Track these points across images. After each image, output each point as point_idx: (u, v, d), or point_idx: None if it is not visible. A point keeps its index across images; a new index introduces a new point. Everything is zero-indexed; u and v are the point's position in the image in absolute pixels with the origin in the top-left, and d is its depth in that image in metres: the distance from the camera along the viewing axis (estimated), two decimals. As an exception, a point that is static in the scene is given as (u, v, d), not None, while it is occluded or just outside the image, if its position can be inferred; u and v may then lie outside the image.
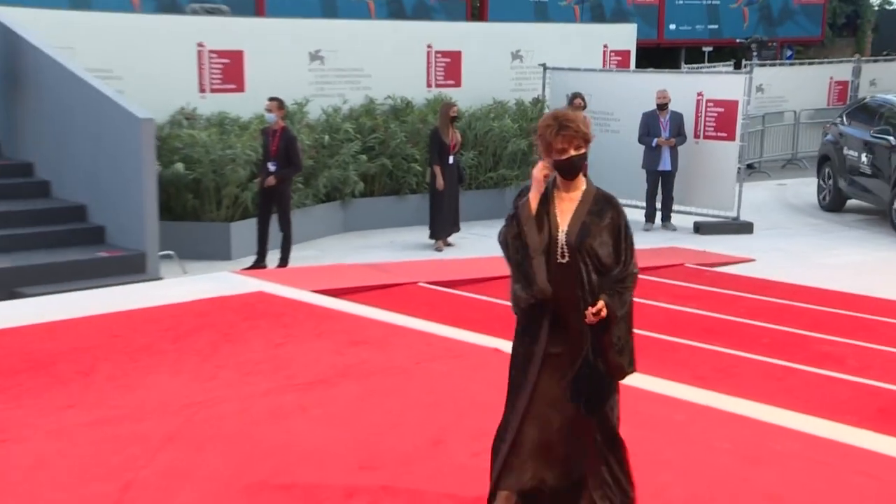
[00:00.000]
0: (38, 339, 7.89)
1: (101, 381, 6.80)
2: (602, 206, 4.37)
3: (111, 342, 7.71)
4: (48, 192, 11.88)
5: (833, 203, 16.33)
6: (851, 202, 16.22)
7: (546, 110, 16.38)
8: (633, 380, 6.80)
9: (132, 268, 10.73)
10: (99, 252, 10.95)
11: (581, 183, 4.41)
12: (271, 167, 11.69)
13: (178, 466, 5.37)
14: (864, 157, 15.14)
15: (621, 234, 4.35)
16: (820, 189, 16.86)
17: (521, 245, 4.34)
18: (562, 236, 4.31)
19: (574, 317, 4.29)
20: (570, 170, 4.33)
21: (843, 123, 16.42)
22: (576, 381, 4.32)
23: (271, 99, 11.97)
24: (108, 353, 7.39)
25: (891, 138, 14.36)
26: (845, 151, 15.79)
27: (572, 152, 4.28)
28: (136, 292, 9.48)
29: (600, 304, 4.20)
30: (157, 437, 5.76)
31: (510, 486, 4.41)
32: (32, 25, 12.23)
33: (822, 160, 16.95)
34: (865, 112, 15.98)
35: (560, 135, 4.26)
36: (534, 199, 4.34)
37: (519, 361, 4.47)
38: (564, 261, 4.29)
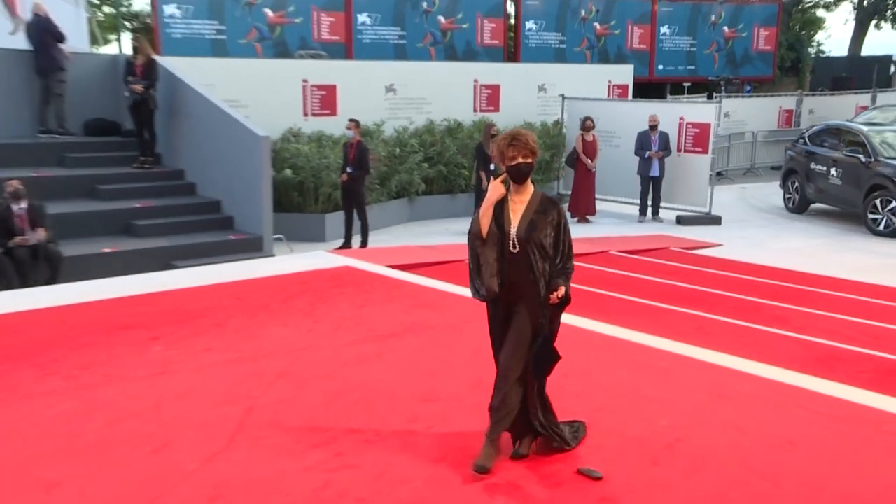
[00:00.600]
0: (186, 299, 7.98)
1: (230, 331, 6.86)
2: (547, 207, 4.35)
3: (237, 302, 7.78)
4: (194, 191, 11.98)
5: (799, 206, 15.89)
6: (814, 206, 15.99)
7: (564, 130, 16.36)
8: (628, 335, 6.83)
9: (252, 247, 10.82)
10: (229, 235, 11.04)
11: (530, 188, 4.39)
12: (349, 171, 11.76)
13: (286, 396, 5.42)
14: (832, 171, 14.78)
15: (561, 230, 4.33)
16: (787, 195, 16.36)
17: (476, 236, 4.32)
18: (513, 231, 4.29)
19: (529, 294, 4.31)
20: (518, 174, 4.32)
21: (805, 143, 16.00)
22: (536, 353, 4.34)
23: (350, 120, 12.08)
24: (235, 311, 7.46)
25: (860, 156, 14.11)
26: (813, 166, 15.35)
27: (520, 160, 4.29)
28: (255, 266, 9.56)
29: (561, 289, 4.24)
30: (271, 374, 5.81)
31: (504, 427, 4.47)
32: (186, 69, 12.39)
33: (789, 172, 16.40)
34: (828, 135, 15.57)
35: (511, 146, 4.28)
36: (490, 206, 4.30)
37: (493, 326, 4.55)
38: (515, 251, 4.29)
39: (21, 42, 12.38)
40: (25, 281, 8.86)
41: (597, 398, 5.44)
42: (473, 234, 4.33)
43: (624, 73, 19.33)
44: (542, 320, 4.33)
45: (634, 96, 19.43)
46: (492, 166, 13.28)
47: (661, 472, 4.38)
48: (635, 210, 15.01)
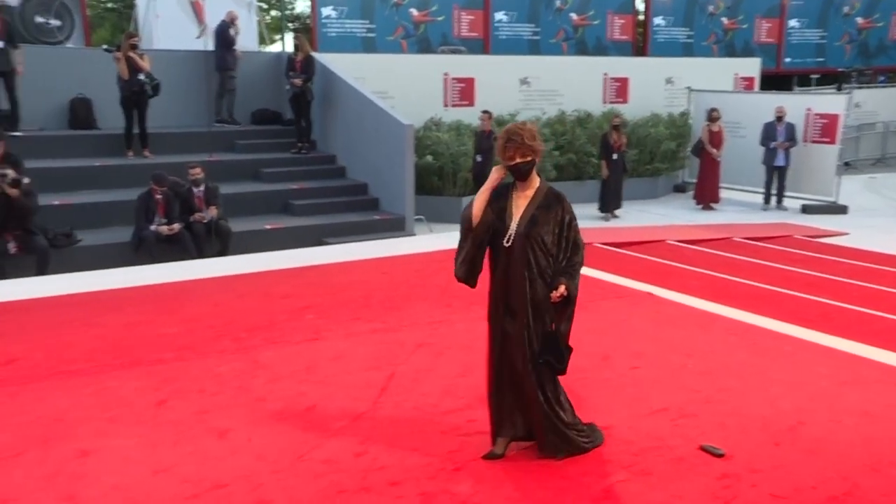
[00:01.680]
0: (335, 273, 8.19)
1: (376, 303, 6.99)
2: (551, 202, 3.98)
3: (381, 277, 7.92)
4: (344, 174, 12.24)
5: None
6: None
7: (690, 121, 15.81)
8: (752, 319, 6.54)
9: (396, 227, 10.96)
10: (375, 215, 11.21)
11: (535, 183, 4.01)
12: (478, 158, 11.83)
13: (424, 364, 5.48)
14: None
15: (565, 226, 3.95)
16: None
17: (466, 220, 4.00)
18: (513, 226, 3.92)
19: (519, 291, 3.93)
20: (517, 173, 3.95)
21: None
22: (542, 349, 4.00)
23: (483, 111, 12.24)
24: (380, 285, 7.60)
25: None
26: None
27: (518, 160, 3.90)
28: (398, 244, 9.70)
29: (562, 287, 3.86)
30: (411, 343, 5.89)
31: (506, 435, 4.15)
32: (339, 64, 12.64)
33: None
34: None
35: (507, 146, 3.92)
36: (484, 191, 3.97)
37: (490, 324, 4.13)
38: (508, 245, 3.91)
39: (199, 44, 12.98)
40: (201, 252, 9.31)
41: (720, 378, 5.25)
42: (464, 218, 4.00)
43: (750, 66, 18.50)
44: (540, 323, 3.97)
45: (761, 89, 18.55)
46: (614, 156, 13.05)
47: (783, 453, 4.18)
48: (759, 199, 14.35)
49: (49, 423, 4.51)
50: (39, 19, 13.03)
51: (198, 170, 9.55)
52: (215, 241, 9.52)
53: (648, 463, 4.07)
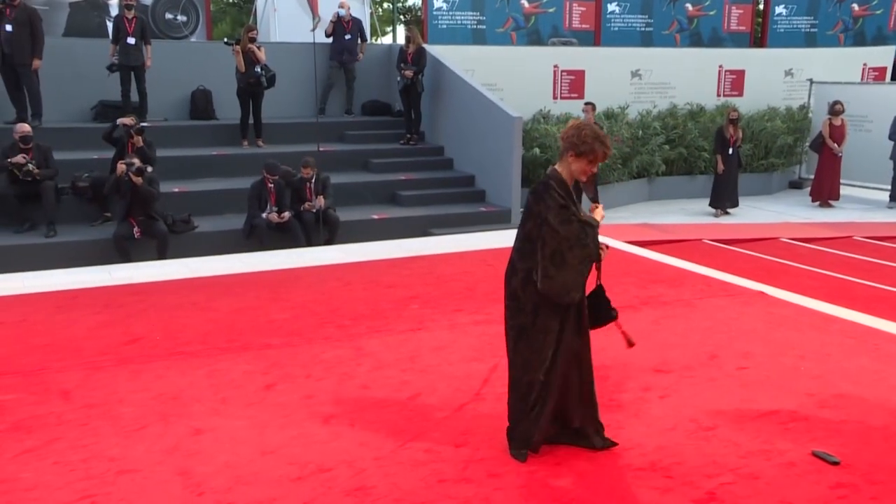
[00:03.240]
0: (440, 264, 8.25)
1: (479, 294, 7.00)
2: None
3: (486, 269, 7.92)
4: (452, 166, 12.29)
5: None
6: None
7: (810, 115, 15.14)
8: (872, 322, 6.21)
9: (501, 219, 10.92)
10: (481, 207, 11.21)
11: None
12: None
13: (527, 357, 5.44)
14: None
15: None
16: None
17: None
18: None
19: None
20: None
21: None
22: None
23: (586, 103, 12.12)
24: (484, 276, 7.59)
25: None
26: None
27: (595, 168, 3.91)
28: (503, 236, 9.65)
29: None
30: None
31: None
32: (450, 55, 12.70)
33: None
34: None
35: (605, 151, 3.81)
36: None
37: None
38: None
39: (311, 36, 13.29)
40: (309, 241, 9.55)
41: (837, 383, 5.01)
42: (589, 255, 3.84)
43: (882, 55, 17.55)
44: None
45: (894, 79, 17.56)
46: (729, 150, 12.62)
47: (905, 465, 3.96)
48: (884, 196, 13.61)
49: (167, 400, 4.73)
50: (168, 15, 13.66)
51: (309, 170, 9.78)
52: (323, 230, 9.75)
53: (756, 466, 3.93)
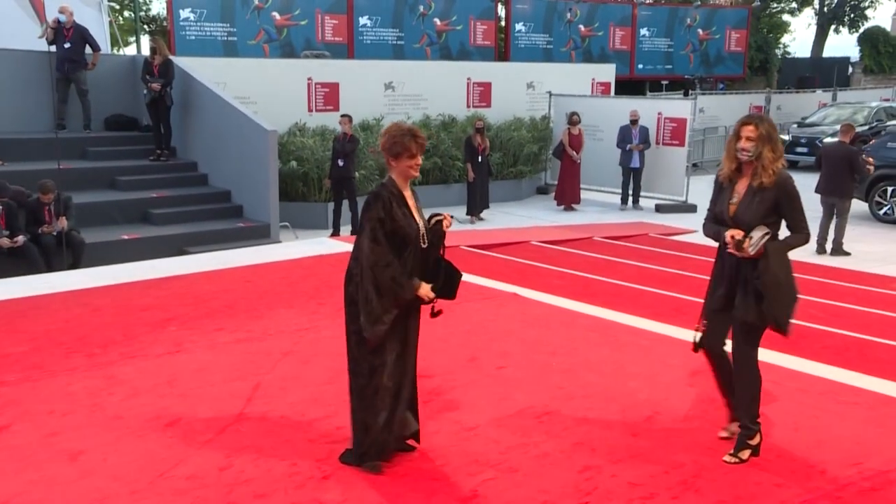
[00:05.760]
0: (199, 283, 7.93)
1: (239, 312, 6.81)
2: (418, 198, 4.03)
3: (246, 286, 7.74)
4: (206, 181, 11.88)
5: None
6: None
7: (551, 125, 16.27)
8: (612, 315, 6.79)
9: (260, 234, 10.73)
10: (238, 223, 10.95)
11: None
12: (340, 162, 11.65)
13: (291, 373, 5.38)
14: None
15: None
16: (878, 205, 13.41)
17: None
18: (422, 227, 3.90)
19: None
20: (415, 173, 3.91)
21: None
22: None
23: (343, 115, 12.07)
24: (244, 293, 7.41)
25: None
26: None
27: (420, 161, 3.89)
28: (263, 251, 9.48)
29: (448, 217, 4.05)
30: (277, 352, 5.77)
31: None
32: (199, 68, 12.27)
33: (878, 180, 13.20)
34: None
35: (416, 143, 3.83)
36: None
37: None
38: (426, 245, 3.93)
39: (42, 44, 12.28)
40: (50, 266, 8.81)
41: (582, 375, 5.42)
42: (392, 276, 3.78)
43: (606, 72, 19.23)
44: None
45: (616, 93, 19.33)
46: (478, 158, 13.26)
47: (640, 443, 4.36)
48: (617, 199, 14.96)
49: None
50: None
51: (49, 195, 9.00)
52: (67, 254, 9.03)
53: (515, 460, 4.15)
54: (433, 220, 3.97)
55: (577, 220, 13.40)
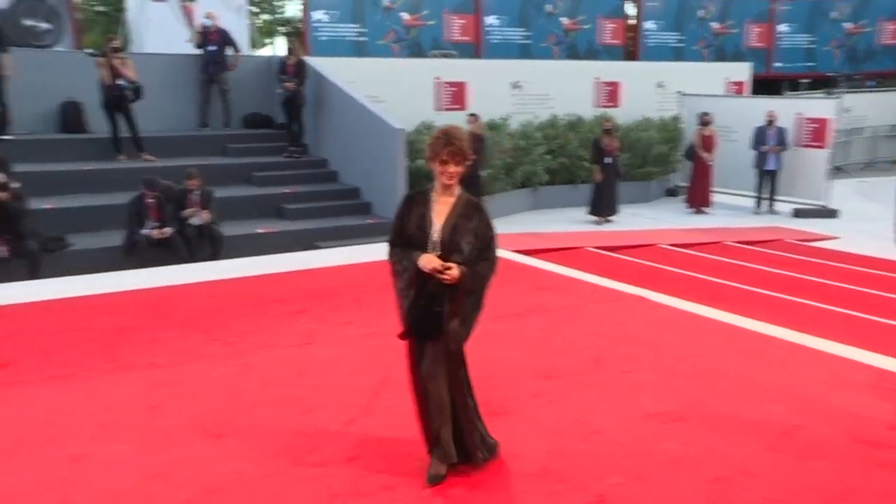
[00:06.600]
0: (328, 277, 8.19)
1: (367, 307, 6.98)
2: (470, 211, 3.71)
3: (372, 281, 7.90)
4: (336, 178, 12.23)
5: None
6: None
7: (681, 125, 15.87)
8: (742, 322, 6.57)
9: (387, 231, 10.65)
10: (367, 219, 11.20)
11: (456, 190, 3.74)
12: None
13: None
14: None
15: (482, 237, 3.71)
16: None
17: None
18: (435, 235, 3.66)
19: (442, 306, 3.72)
20: (449, 178, 3.67)
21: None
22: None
23: (470, 114, 12.29)
24: (370, 289, 7.58)
25: None
26: None
27: (453, 166, 3.63)
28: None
29: (454, 266, 3.59)
30: (403, 347, 5.87)
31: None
32: (331, 68, 12.66)
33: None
34: None
35: (447, 149, 3.62)
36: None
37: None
38: (436, 254, 3.66)
39: (189, 47, 13.03)
40: (193, 256, 9.30)
41: (713, 382, 5.27)
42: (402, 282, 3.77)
43: (741, 71, 18.61)
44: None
45: (752, 93, 18.66)
46: (606, 160, 13.09)
47: (776, 457, 4.21)
48: (751, 202, 14.45)
49: (41, 427, 4.50)
50: (28, 22, 12.97)
51: (195, 181, 9.54)
52: (207, 245, 9.51)
53: (642, 466, 4.08)
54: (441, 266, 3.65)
55: (708, 224, 13.03)
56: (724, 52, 23.39)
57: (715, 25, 23.29)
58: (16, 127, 10.92)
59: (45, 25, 13.08)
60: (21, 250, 8.54)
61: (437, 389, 3.87)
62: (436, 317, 3.75)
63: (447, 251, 3.66)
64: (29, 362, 5.54)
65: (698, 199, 14.39)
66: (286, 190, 11.46)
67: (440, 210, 3.71)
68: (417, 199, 3.80)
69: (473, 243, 3.70)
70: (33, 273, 8.49)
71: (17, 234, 8.56)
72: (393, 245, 3.84)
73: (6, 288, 7.63)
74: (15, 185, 8.56)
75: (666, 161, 15.74)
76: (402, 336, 3.89)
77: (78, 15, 15.37)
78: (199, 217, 9.44)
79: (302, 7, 18.35)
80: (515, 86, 15.11)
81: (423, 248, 3.68)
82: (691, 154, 14.51)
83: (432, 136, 3.73)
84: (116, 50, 11.01)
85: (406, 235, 3.77)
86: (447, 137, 3.65)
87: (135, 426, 4.53)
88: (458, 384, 3.91)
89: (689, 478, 3.97)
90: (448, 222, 3.69)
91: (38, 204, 9.28)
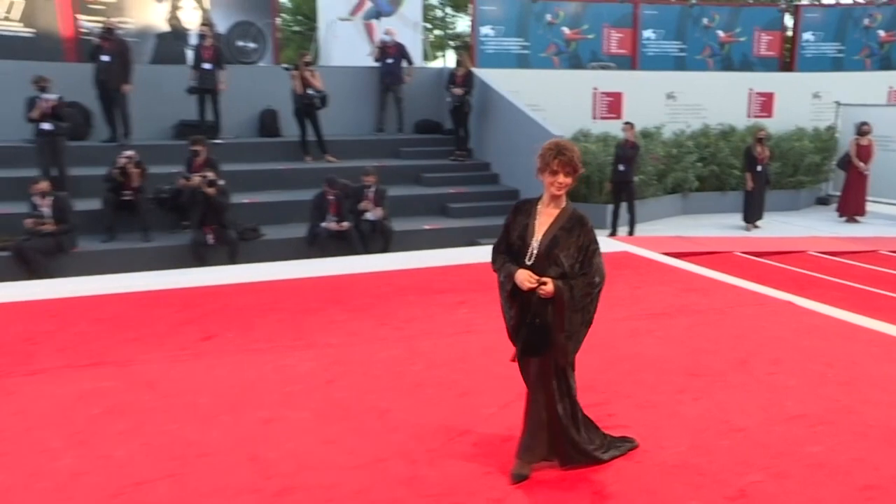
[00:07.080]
0: (486, 272, 8.17)
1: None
2: (574, 224, 3.52)
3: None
4: (497, 180, 12.35)
5: None
6: None
7: (837, 135, 14.82)
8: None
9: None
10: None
11: (562, 203, 3.56)
12: (620, 168, 11.52)
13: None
14: None
15: (584, 250, 3.52)
16: None
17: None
18: (535, 244, 3.51)
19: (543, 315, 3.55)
20: (558, 189, 3.52)
21: None
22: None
23: (626, 123, 11.99)
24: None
25: None
26: None
27: (562, 178, 3.47)
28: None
29: (549, 281, 3.43)
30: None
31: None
32: (496, 78, 12.80)
33: None
34: None
35: (557, 159, 3.46)
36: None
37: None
38: (530, 263, 3.50)
39: (369, 61, 13.53)
40: (367, 248, 9.66)
41: (863, 389, 4.90)
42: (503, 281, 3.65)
43: (910, 78, 17.18)
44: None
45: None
46: (758, 168, 12.45)
47: (928, 469, 3.86)
48: (908, 211, 13.32)
49: (239, 392, 4.82)
50: (240, 43, 13.92)
51: (372, 178, 9.90)
52: (379, 239, 9.84)
53: (785, 466, 3.86)
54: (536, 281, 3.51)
55: (862, 233, 12.10)
56: (889, 60, 21.58)
57: (881, 34, 21.54)
58: (225, 132, 11.75)
59: (253, 45, 13.98)
60: (224, 238, 9.17)
61: (538, 404, 3.77)
62: (541, 331, 3.61)
63: (544, 263, 3.51)
64: (229, 336, 5.94)
65: (852, 207, 13.39)
66: (451, 190, 11.66)
67: (543, 221, 3.57)
68: (523, 209, 3.69)
69: (575, 257, 3.53)
70: (233, 258, 9.11)
71: (221, 225, 9.22)
72: (497, 251, 3.76)
73: (212, 271, 8.23)
74: (221, 182, 9.21)
75: (818, 171, 14.79)
76: (513, 359, 3.79)
77: (279, 34, 16.29)
78: (373, 213, 9.78)
79: (471, 23, 18.56)
80: (670, 96, 14.69)
81: (522, 258, 3.54)
82: (844, 164, 13.52)
83: (543, 147, 3.61)
84: (308, 64, 11.61)
85: (509, 243, 3.69)
86: (558, 148, 3.51)
87: (313, 397, 4.76)
88: (563, 395, 3.78)
89: (835, 482, 3.72)
90: (548, 234, 3.54)
91: (238, 199, 9.93)
